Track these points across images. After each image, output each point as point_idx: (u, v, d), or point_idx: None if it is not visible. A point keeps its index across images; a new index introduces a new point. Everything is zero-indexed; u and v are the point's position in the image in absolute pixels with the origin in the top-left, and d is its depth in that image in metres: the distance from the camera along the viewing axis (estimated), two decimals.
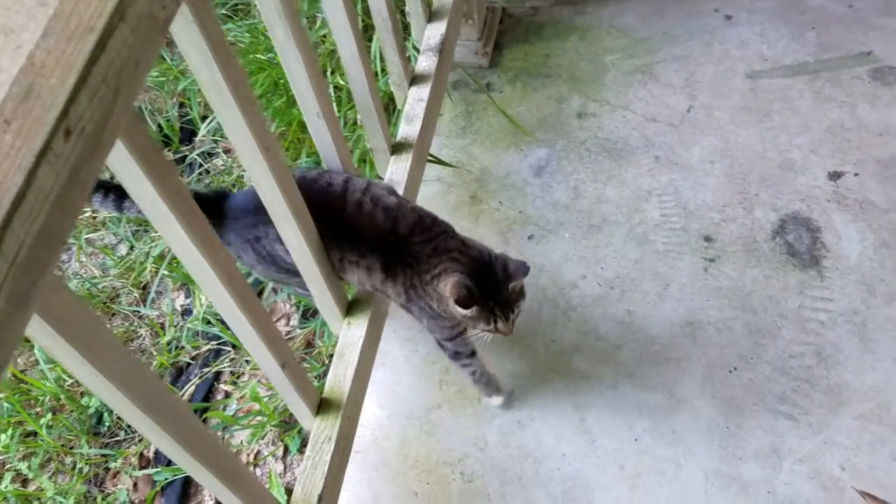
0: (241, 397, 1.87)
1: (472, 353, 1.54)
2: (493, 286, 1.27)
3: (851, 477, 1.53)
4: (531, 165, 2.10)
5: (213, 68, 0.88)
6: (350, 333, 1.51)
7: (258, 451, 1.81)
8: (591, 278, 1.87)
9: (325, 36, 2.20)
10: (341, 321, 1.53)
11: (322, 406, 1.42)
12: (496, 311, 1.27)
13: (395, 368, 1.78)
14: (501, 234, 1.97)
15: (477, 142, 2.17)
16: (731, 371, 1.68)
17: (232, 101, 0.93)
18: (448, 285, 1.26)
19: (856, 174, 1.93)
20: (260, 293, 1.98)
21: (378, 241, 1.35)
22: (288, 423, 1.77)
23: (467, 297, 1.23)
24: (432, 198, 2.03)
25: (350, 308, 1.55)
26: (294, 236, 1.22)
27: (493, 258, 1.29)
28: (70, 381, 1.91)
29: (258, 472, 1.78)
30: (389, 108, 1.94)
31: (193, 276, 0.95)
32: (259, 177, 1.09)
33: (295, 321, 1.99)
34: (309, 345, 1.92)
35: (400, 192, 1.66)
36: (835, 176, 1.94)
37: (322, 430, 1.40)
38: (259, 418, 1.78)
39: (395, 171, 1.76)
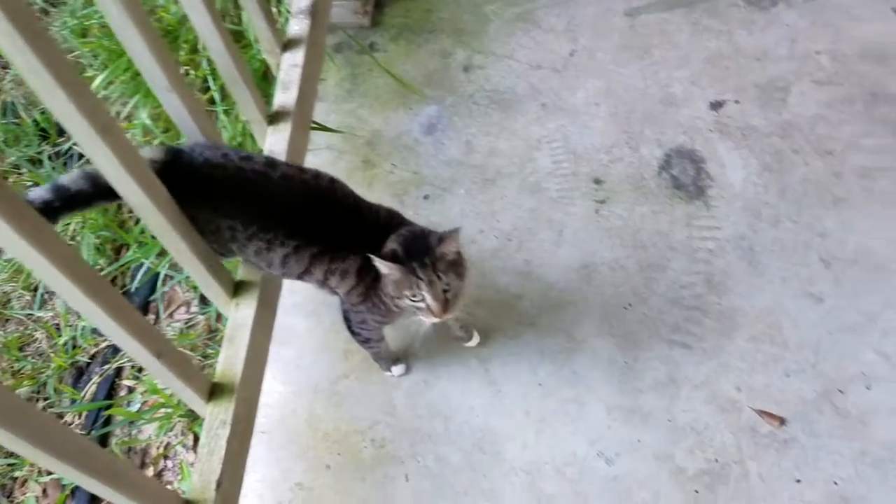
0: (145, 391, 1.82)
1: (382, 338, 1.56)
2: (419, 250, 1.24)
3: (748, 397, 1.60)
4: (422, 124, 2.08)
5: (25, 52, 0.83)
6: (239, 315, 1.49)
7: (168, 443, 1.77)
8: (489, 232, 1.88)
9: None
10: (228, 303, 1.50)
11: (214, 391, 1.40)
12: (419, 273, 1.22)
13: (298, 343, 1.76)
14: (397, 196, 1.95)
15: (365, 104, 2.13)
16: (625, 308, 1.73)
17: (54, 85, 0.88)
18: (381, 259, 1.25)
19: (736, 101, 1.99)
20: (153, 285, 1.91)
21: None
22: (195, 413, 1.73)
23: (390, 255, 1.23)
24: (323, 166, 1.98)
25: (237, 289, 1.51)
26: (154, 219, 1.18)
27: (426, 232, 1.29)
28: None
29: (169, 463, 1.74)
30: (270, 77, 1.88)
31: (31, 268, 0.91)
32: (101, 160, 1.04)
33: (195, 307, 1.94)
34: (212, 330, 1.88)
35: (283, 160, 1.62)
36: (716, 105, 1.99)
37: (216, 416, 1.38)
38: (164, 410, 1.74)
39: (274, 143, 1.72)
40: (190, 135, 1.40)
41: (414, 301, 1.24)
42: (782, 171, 1.86)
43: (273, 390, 1.68)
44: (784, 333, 1.65)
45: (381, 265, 1.22)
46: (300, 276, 1.37)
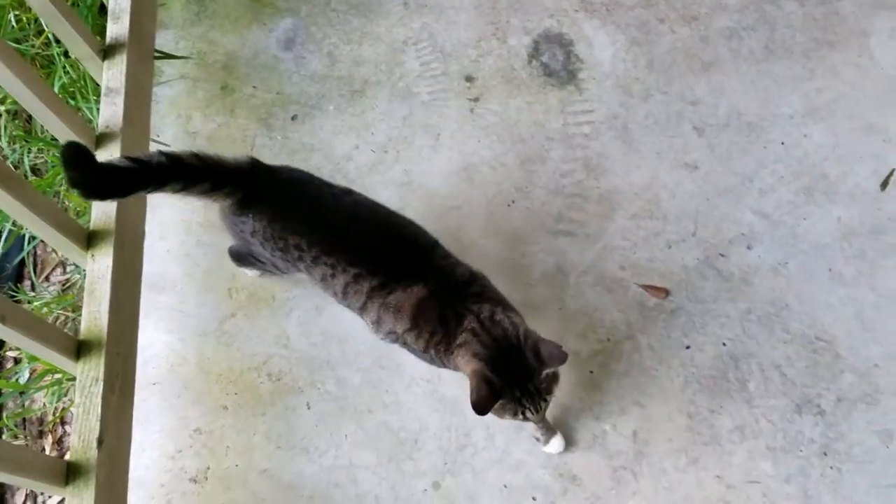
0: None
1: None
2: (520, 373, 1.14)
3: (633, 274, 1.66)
4: (279, 40, 1.99)
5: None
6: (96, 267, 1.43)
7: (63, 409, 1.72)
8: (364, 146, 1.84)
9: None
10: (84, 255, 1.43)
11: (82, 349, 1.35)
12: (525, 402, 1.15)
13: (178, 288, 1.72)
14: (262, 120, 1.88)
15: (216, 26, 2.02)
16: (509, 205, 1.74)
17: None
18: (467, 371, 1.17)
19: None
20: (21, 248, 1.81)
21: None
22: None
23: (488, 396, 1.11)
24: (178, 98, 1.90)
25: (91, 240, 1.45)
26: None
27: (522, 338, 1.16)
28: None
29: (67, 429, 1.70)
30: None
31: None
32: None
33: (71, 267, 1.85)
34: None
35: (121, 97, 1.53)
36: None
37: (87, 374, 1.35)
38: (54, 376, 1.68)
39: (111, 78, 1.62)
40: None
41: (514, 419, 1.22)
42: (649, 42, 1.87)
43: (157, 340, 1.65)
44: (663, 206, 1.69)
45: (480, 400, 1.11)
46: (360, 312, 1.32)
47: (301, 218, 1.26)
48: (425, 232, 1.32)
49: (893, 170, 1.69)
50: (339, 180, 1.73)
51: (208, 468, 1.54)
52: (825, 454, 1.47)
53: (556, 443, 1.47)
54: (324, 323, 1.67)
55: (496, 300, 1.26)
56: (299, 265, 1.29)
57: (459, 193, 1.76)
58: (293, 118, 1.89)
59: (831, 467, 1.47)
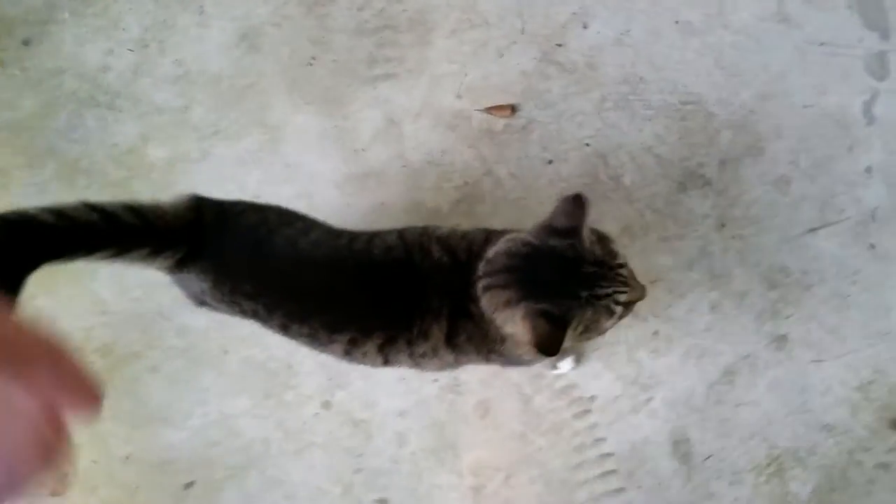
0: None
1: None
2: (566, 269, 0.83)
3: (471, 100, 1.44)
4: None
5: None
6: None
7: None
8: (119, 48, 1.50)
9: None
10: None
11: None
12: (601, 295, 0.83)
13: None
14: None
15: None
16: (310, 64, 1.45)
17: None
18: (518, 327, 0.85)
19: None
20: None
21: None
22: None
23: (551, 334, 0.81)
24: None
25: None
26: None
27: (534, 236, 0.86)
28: None
29: None
30: None
31: None
32: None
33: None
34: None
35: None
36: None
37: None
38: None
39: None
40: None
41: (613, 322, 0.89)
42: None
43: None
44: (481, 9, 1.44)
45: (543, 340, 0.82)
46: (387, 366, 0.99)
47: (249, 276, 0.92)
48: (396, 244, 0.95)
49: None
50: (103, 100, 1.41)
51: (65, 475, 1.29)
52: (723, 225, 1.34)
53: (567, 362, 1.31)
54: (139, 273, 1.38)
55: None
56: (275, 330, 0.95)
57: (249, 68, 1.45)
58: (25, 43, 1.51)
59: (733, 237, 1.34)
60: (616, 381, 1.34)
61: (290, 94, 1.47)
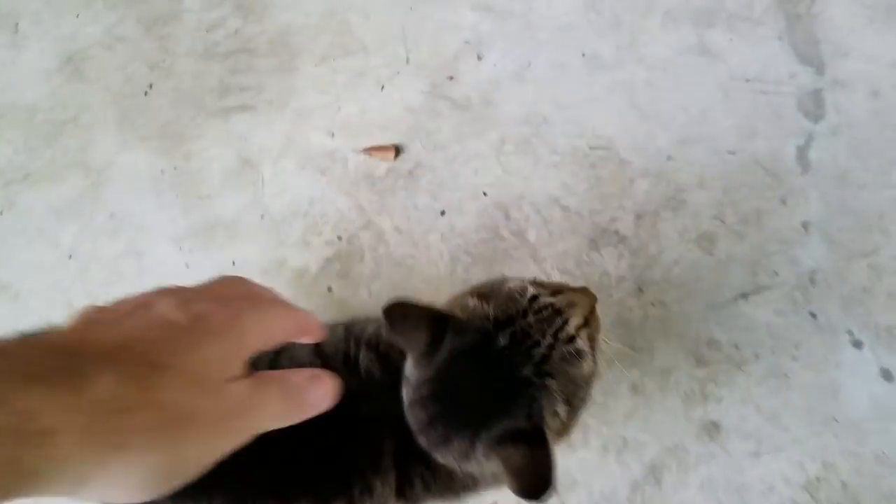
0: None
1: None
2: (484, 371, 0.59)
3: (346, 139, 1.19)
4: None
5: None
6: None
7: None
8: None
9: None
10: None
11: None
12: (549, 368, 0.59)
13: None
14: None
15: None
16: (146, 93, 1.16)
17: None
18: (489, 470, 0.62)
19: None
20: None
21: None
22: None
23: (532, 460, 0.56)
24: None
25: None
26: None
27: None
28: None
29: None
30: None
31: None
32: None
33: None
34: None
35: None
36: None
37: None
38: None
39: None
40: None
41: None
42: None
43: None
44: (357, 34, 1.19)
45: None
46: None
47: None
48: (310, 360, 0.70)
49: None
50: None
51: None
52: (641, 290, 1.11)
53: None
54: None
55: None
56: None
57: (71, 98, 1.16)
58: None
59: (653, 303, 1.11)
60: None
61: (120, 128, 1.18)
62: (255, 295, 0.42)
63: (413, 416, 0.61)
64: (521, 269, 1.17)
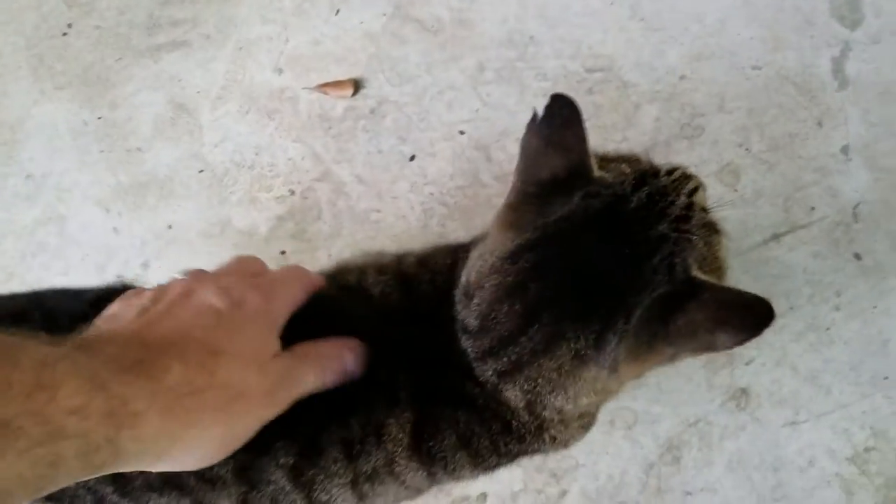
0: None
1: None
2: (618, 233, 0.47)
3: (296, 75, 1.03)
4: None
5: None
6: None
7: None
8: None
9: None
10: None
11: None
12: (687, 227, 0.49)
13: None
14: None
15: None
16: (65, 34, 1.00)
17: None
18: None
19: None
20: None
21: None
22: None
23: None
24: None
25: None
26: None
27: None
28: None
29: None
30: None
31: None
32: None
33: None
34: None
35: None
36: None
37: None
38: None
39: None
40: None
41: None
42: None
43: None
44: None
45: None
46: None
47: None
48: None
49: None
50: None
51: None
52: None
53: None
54: None
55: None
56: None
57: None
58: None
59: None
60: (515, 468, 0.89)
61: (35, 76, 1.02)
62: (268, 272, 0.49)
63: (491, 313, 0.47)
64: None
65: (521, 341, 0.47)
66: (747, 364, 0.94)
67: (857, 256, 0.96)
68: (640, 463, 0.94)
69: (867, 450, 0.93)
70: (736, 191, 0.98)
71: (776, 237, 0.97)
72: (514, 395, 0.49)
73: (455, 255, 0.56)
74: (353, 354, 0.47)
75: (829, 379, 0.94)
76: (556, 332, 0.47)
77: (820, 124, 1.00)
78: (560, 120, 0.50)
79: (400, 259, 0.58)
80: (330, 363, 0.46)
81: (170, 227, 1.00)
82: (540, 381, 0.48)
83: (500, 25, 1.06)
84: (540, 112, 0.51)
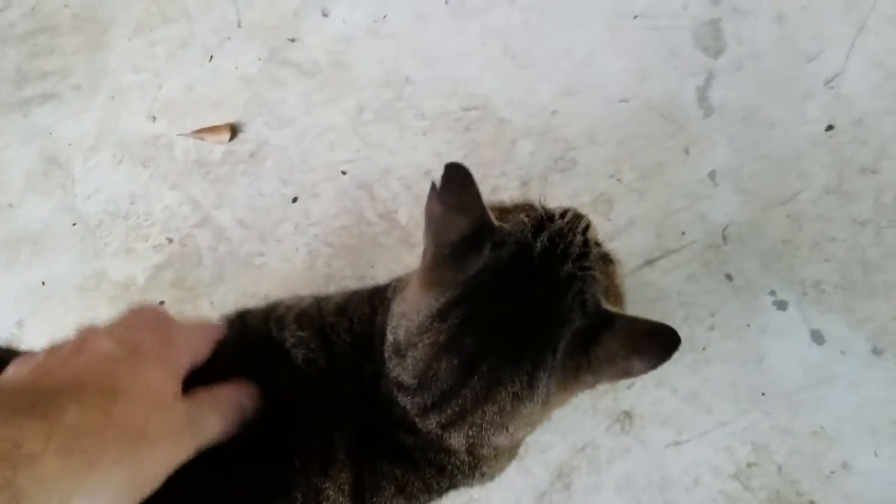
0: None
1: None
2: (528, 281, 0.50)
3: (170, 122, 1.01)
4: None
5: None
6: None
7: None
8: None
9: None
10: None
11: None
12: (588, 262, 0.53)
13: None
14: None
15: None
16: None
17: None
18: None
19: None
20: None
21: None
22: None
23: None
24: None
25: None
26: None
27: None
28: None
29: None
30: None
31: None
32: None
33: None
34: None
35: None
36: None
37: None
38: None
39: None
40: None
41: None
42: None
43: None
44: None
45: None
46: None
47: None
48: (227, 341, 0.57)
49: None
50: None
51: None
52: None
53: None
54: None
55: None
56: None
57: None
58: None
59: None
60: None
61: None
62: (169, 319, 0.49)
63: (429, 370, 0.49)
64: (394, 257, 1.00)
65: (464, 393, 0.49)
66: (629, 388, 0.96)
67: (729, 277, 1.00)
68: (532, 493, 0.95)
69: (749, 465, 0.96)
70: (610, 220, 1.01)
71: (650, 262, 1.00)
72: (457, 441, 0.52)
73: (372, 303, 0.59)
74: (247, 395, 0.48)
75: (709, 398, 0.97)
76: (494, 379, 0.49)
77: (687, 152, 1.04)
78: (456, 184, 0.53)
79: (320, 306, 0.59)
80: (227, 405, 0.46)
81: (43, 283, 0.97)
82: (484, 425, 0.51)
83: (376, 66, 1.07)
84: (438, 181, 0.53)
